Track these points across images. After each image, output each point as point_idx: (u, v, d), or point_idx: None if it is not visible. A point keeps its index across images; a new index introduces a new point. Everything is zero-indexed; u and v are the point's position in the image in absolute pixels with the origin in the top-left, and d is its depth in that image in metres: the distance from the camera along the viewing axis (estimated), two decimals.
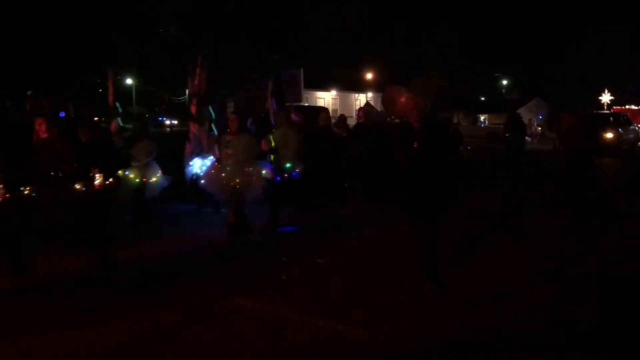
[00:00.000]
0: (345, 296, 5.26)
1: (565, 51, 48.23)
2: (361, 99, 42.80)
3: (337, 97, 45.49)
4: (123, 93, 44.91)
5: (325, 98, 44.24)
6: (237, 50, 30.08)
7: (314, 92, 41.94)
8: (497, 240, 7.41)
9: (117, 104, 8.71)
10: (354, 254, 6.79)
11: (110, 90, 8.75)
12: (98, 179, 6.03)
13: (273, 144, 8.14)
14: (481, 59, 49.42)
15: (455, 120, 38.82)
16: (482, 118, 38.01)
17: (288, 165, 8.21)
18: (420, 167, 4.94)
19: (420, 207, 5.01)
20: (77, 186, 6.07)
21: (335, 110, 41.29)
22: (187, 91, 9.81)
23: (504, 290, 5.36)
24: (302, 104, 32.10)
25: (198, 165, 8.83)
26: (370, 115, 11.06)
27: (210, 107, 8.76)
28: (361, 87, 45.79)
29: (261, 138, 8.24)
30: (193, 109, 9.04)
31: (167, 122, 42.46)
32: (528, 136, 33.87)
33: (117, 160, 6.85)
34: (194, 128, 9.02)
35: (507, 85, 58.83)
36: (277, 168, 8.11)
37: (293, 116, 9.84)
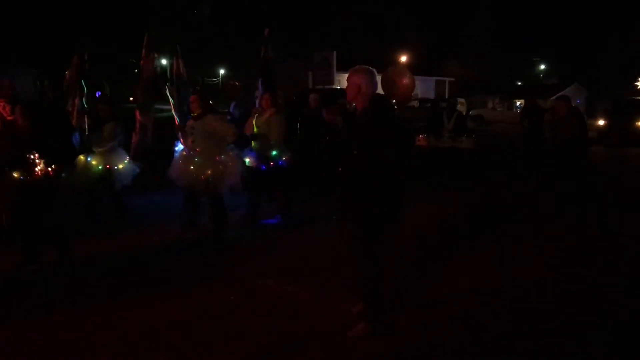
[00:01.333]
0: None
1: (606, 36, 46.84)
2: None
3: None
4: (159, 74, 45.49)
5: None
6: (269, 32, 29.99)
7: (346, 75, 41.63)
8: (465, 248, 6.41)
9: (83, 82, 7.82)
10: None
11: (75, 66, 7.90)
12: (39, 166, 5.39)
13: (256, 129, 7.41)
14: (519, 43, 48.36)
15: (490, 105, 38.28)
16: (518, 103, 37.26)
17: (274, 153, 7.40)
18: (343, 160, 4.07)
19: (339, 206, 4.10)
20: (15, 174, 5.35)
21: None
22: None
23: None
24: (334, 86, 31.99)
25: None
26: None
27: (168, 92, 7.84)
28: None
29: (243, 123, 7.59)
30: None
31: None
32: None
33: (63, 146, 6.25)
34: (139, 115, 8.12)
35: (544, 70, 57.48)
36: (261, 156, 7.38)
37: (313, 96, 9.32)
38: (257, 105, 8.05)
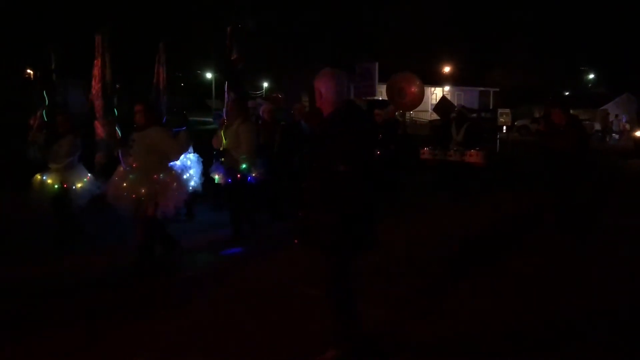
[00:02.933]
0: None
1: None
2: (437, 92, 41.97)
3: None
4: (203, 86, 46.47)
5: None
6: (311, 43, 30.20)
7: None
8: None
9: (45, 93, 7.13)
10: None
11: (39, 75, 7.17)
12: None
13: (224, 141, 6.72)
14: (566, 51, 47.19)
15: (536, 116, 37.33)
16: None
17: (243, 166, 6.73)
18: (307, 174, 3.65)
19: (301, 228, 3.60)
20: None
21: None
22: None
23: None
24: (376, 97, 31.90)
25: None
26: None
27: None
28: (438, 80, 44.88)
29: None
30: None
31: None
32: (615, 133, 32.12)
33: None
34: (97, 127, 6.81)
35: (593, 79, 55.92)
36: (230, 171, 6.75)
37: (265, 107, 8.29)
38: (223, 116, 7.40)
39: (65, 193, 6.68)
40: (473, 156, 9.50)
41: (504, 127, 25.21)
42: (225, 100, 7.36)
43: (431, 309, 4.77)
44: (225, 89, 7.46)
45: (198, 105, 39.85)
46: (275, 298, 4.97)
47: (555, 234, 7.30)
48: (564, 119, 7.28)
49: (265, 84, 52.56)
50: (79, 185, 6.80)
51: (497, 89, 48.56)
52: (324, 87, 3.61)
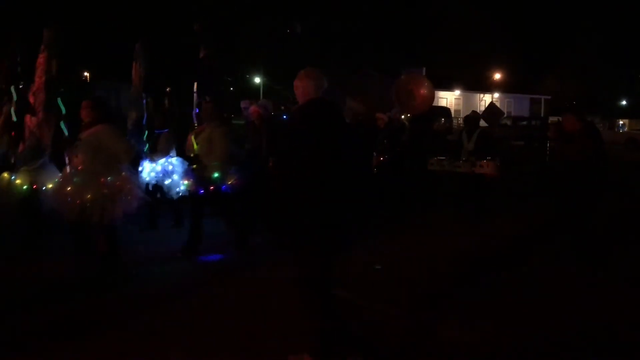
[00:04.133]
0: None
1: None
2: (486, 99, 41.24)
3: (461, 97, 44.15)
4: (250, 90, 47.08)
5: (448, 98, 43.13)
6: (356, 48, 30.20)
7: (436, 92, 41.03)
8: None
9: (12, 89, 6.54)
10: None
11: (4, 70, 6.64)
12: None
13: (196, 146, 6.25)
14: (622, 58, 45.60)
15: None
16: (621, 123, 35.04)
17: (215, 175, 6.21)
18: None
19: (274, 231, 3.58)
20: None
21: (457, 111, 40.16)
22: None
23: None
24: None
25: (147, 170, 7.08)
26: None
27: (59, 99, 6.39)
28: (487, 87, 44.11)
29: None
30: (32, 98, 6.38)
31: None
32: None
33: None
34: (30, 122, 6.37)
35: None
36: (201, 178, 6.25)
37: (253, 108, 7.43)
38: (194, 120, 6.95)
39: (35, 195, 6.16)
40: (484, 167, 8.41)
41: None
42: (195, 101, 6.95)
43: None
44: (195, 91, 7.00)
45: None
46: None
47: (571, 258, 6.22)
48: (576, 126, 6.32)
49: None
50: (49, 186, 6.22)
51: (549, 97, 47.34)
52: (300, 85, 3.63)
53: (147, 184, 6.93)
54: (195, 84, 7.05)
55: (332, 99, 3.62)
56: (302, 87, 3.61)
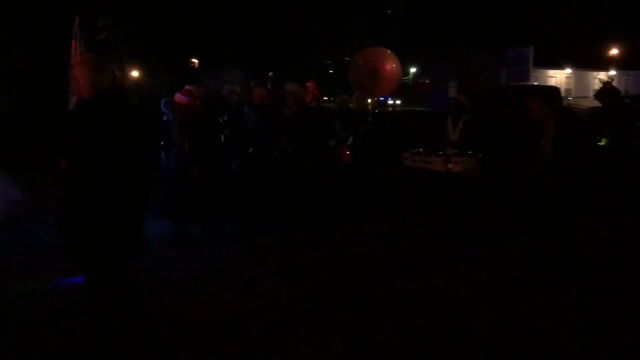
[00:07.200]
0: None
1: None
2: (601, 77, 38.56)
3: (572, 75, 41.54)
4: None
5: (558, 77, 40.75)
6: (458, 27, 29.37)
7: (544, 71, 38.89)
8: None
9: None
10: None
11: None
12: None
13: None
14: None
15: None
16: None
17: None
18: None
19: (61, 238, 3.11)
20: None
21: (568, 90, 37.93)
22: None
23: None
24: (530, 83, 30.15)
25: None
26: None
27: None
28: (602, 64, 41.15)
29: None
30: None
31: (390, 101, 43.92)
32: None
33: None
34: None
35: None
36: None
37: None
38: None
39: None
40: (460, 163, 6.49)
41: None
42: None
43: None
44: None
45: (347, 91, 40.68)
46: None
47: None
48: (546, 115, 4.71)
49: (413, 69, 52.15)
50: None
51: None
52: (80, 73, 3.17)
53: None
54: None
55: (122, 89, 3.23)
56: (84, 74, 3.15)
